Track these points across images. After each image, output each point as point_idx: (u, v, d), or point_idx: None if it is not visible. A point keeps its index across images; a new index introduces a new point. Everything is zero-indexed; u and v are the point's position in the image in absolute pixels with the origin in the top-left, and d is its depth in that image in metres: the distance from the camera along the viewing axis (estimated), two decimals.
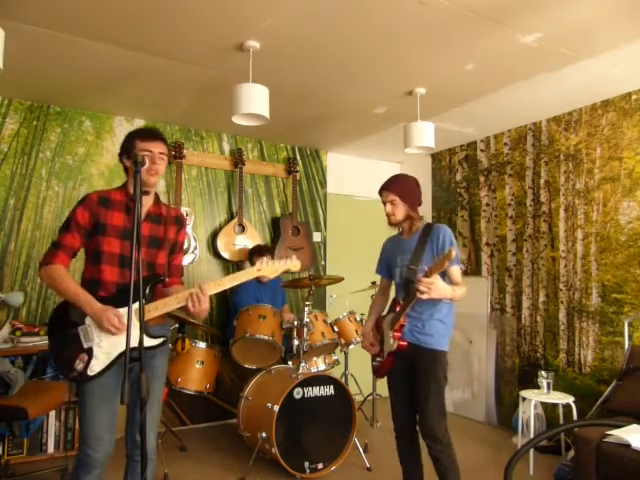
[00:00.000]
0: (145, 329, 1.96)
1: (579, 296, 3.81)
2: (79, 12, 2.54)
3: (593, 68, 3.16)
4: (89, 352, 1.94)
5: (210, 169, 4.52)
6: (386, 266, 2.74)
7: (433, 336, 2.44)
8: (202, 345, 3.62)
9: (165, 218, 2.21)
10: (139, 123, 4.21)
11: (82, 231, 2.04)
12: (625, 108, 3.58)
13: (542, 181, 4.14)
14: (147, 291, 2.05)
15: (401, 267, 2.57)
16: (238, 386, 3.94)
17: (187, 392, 3.54)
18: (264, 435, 3.05)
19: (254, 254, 4.08)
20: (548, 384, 3.48)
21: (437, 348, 2.44)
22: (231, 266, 4.52)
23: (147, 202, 2.17)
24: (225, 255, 4.40)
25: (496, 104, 3.81)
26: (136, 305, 1.97)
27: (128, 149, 2.10)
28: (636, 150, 3.51)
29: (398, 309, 2.50)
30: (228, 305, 4.22)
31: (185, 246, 4.18)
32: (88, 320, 1.97)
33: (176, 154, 4.22)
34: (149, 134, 2.12)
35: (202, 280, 4.34)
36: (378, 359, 2.64)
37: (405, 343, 2.45)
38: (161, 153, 2.11)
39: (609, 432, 2.54)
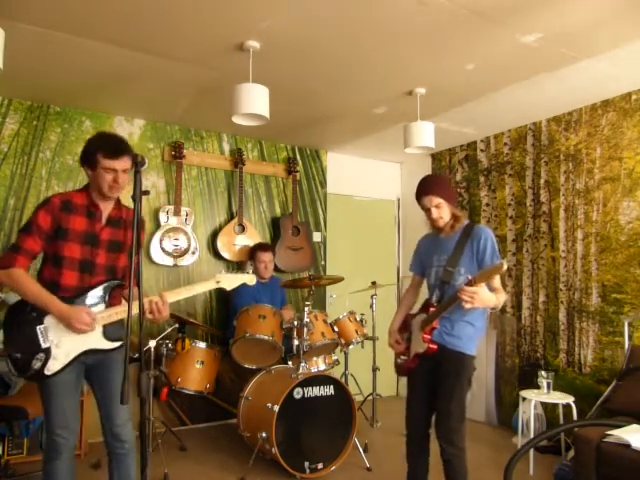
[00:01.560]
0: (104, 332, 2.05)
1: (579, 296, 3.81)
2: (79, 12, 2.54)
3: (593, 68, 3.16)
4: (47, 352, 1.96)
5: (210, 169, 4.51)
6: (420, 264, 2.66)
7: (461, 339, 2.38)
8: (202, 345, 3.62)
9: (125, 221, 2.21)
10: (139, 123, 4.21)
11: (43, 235, 2.03)
12: (625, 108, 3.58)
13: (542, 181, 4.14)
14: (107, 296, 2.09)
15: (437, 267, 2.49)
16: (238, 386, 3.94)
17: (187, 392, 3.55)
18: (264, 435, 3.05)
19: (257, 250, 4.08)
20: (548, 384, 3.48)
21: (464, 351, 2.37)
22: (231, 266, 4.52)
23: (107, 207, 2.17)
24: (225, 255, 4.40)
25: (496, 104, 3.81)
26: (98, 308, 2.06)
27: (90, 161, 2.06)
28: (636, 150, 3.51)
29: (431, 311, 2.42)
30: (228, 305, 4.22)
31: (185, 246, 4.18)
32: (47, 320, 1.98)
33: (176, 154, 4.22)
34: (113, 152, 2.03)
35: (202, 280, 4.37)
36: (403, 357, 2.59)
37: (435, 347, 2.39)
38: (124, 170, 2.06)
39: (609, 432, 2.54)
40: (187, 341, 3.44)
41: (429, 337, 2.40)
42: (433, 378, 2.43)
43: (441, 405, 2.40)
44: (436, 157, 5.22)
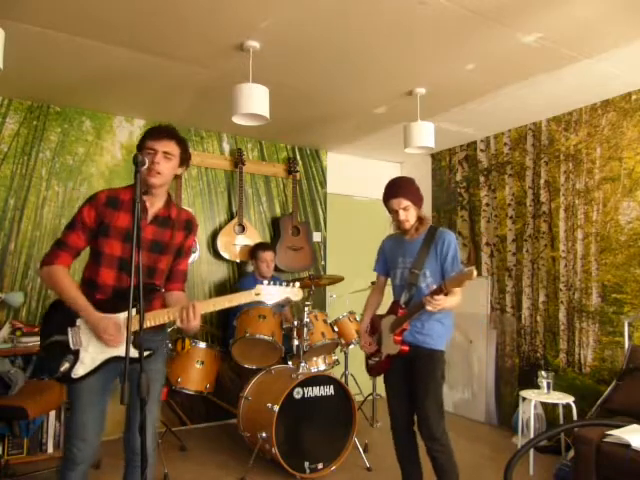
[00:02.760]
0: (133, 340, 1.93)
1: (579, 296, 3.81)
2: (79, 12, 2.54)
3: (593, 68, 3.16)
4: (76, 354, 1.92)
5: (210, 169, 4.51)
6: (385, 265, 2.73)
7: (432, 336, 2.46)
8: (202, 345, 3.62)
9: (174, 222, 2.13)
10: (139, 123, 4.21)
11: (87, 230, 2.00)
12: (625, 108, 3.58)
13: (542, 181, 4.14)
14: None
15: (402, 269, 2.56)
16: (238, 386, 3.94)
17: (187, 392, 3.54)
18: (264, 435, 3.05)
19: (259, 249, 4.07)
20: (548, 384, 3.48)
21: (435, 348, 2.46)
22: (231, 266, 4.52)
23: (155, 204, 2.09)
24: (225, 255, 4.40)
25: (496, 104, 3.81)
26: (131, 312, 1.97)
27: (140, 146, 2.05)
28: (636, 150, 3.51)
29: (400, 313, 2.48)
30: None
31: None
32: (79, 322, 1.94)
33: None
34: (154, 131, 2.05)
35: (202, 280, 4.39)
36: (374, 358, 2.64)
37: (407, 348, 2.46)
38: (166, 152, 2.01)
39: (609, 432, 2.54)
40: (187, 341, 3.44)
41: (400, 339, 2.46)
42: (408, 375, 2.50)
43: (419, 403, 2.45)
44: (436, 157, 5.22)
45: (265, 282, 2.10)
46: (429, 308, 2.21)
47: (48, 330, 2.00)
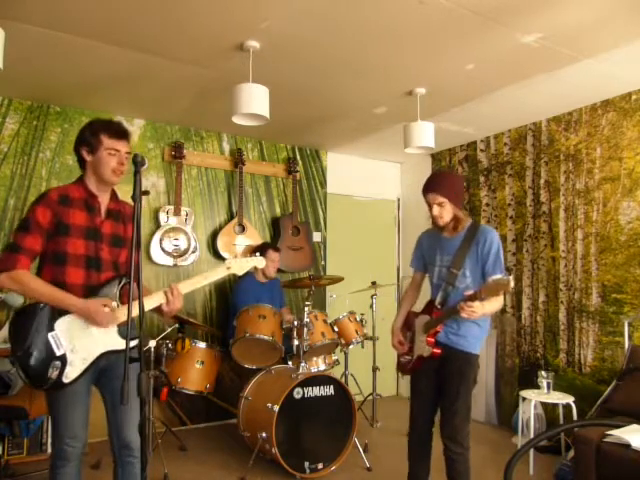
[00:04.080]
0: (119, 331, 1.94)
1: (579, 296, 3.81)
2: (79, 12, 2.54)
3: (593, 68, 3.16)
4: (62, 359, 1.85)
5: (210, 169, 4.51)
6: (422, 260, 2.65)
7: (467, 338, 2.38)
8: (202, 345, 3.62)
9: (123, 215, 2.13)
10: (139, 123, 4.21)
11: (44, 232, 1.92)
12: (625, 108, 3.58)
13: (542, 181, 4.14)
14: (118, 292, 1.97)
15: (440, 267, 2.48)
16: (238, 386, 3.94)
17: (187, 392, 3.54)
18: (264, 435, 3.05)
19: (269, 248, 4.05)
20: (548, 384, 3.48)
21: (469, 351, 2.38)
22: None
23: (105, 199, 2.08)
24: (225, 255, 4.39)
25: (496, 104, 3.81)
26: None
27: (90, 142, 1.99)
28: (636, 150, 3.51)
29: (435, 315, 2.42)
30: (228, 305, 4.22)
31: (185, 246, 4.18)
32: (57, 325, 1.87)
33: (176, 154, 4.22)
34: (118, 132, 2.01)
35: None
36: (406, 357, 2.59)
37: (439, 351, 2.39)
38: (127, 153, 2.01)
39: (609, 432, 2.54)
40: (187, 341, 3.44)
41: (433, 341, 2.40)
42: (438, 377, 2.43)
43: (447, 404, 2.39)
44: (436, 157, 5.22)
45: (231, 256, 2.24)
46: (464, 315, 2.14)
47: (20, 340, 1.85)
